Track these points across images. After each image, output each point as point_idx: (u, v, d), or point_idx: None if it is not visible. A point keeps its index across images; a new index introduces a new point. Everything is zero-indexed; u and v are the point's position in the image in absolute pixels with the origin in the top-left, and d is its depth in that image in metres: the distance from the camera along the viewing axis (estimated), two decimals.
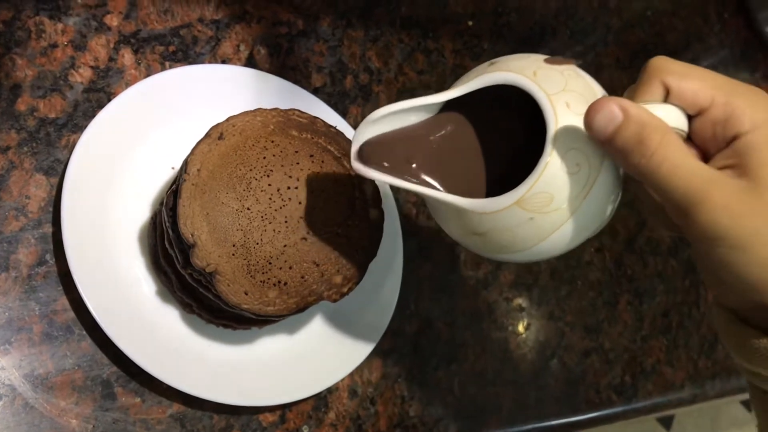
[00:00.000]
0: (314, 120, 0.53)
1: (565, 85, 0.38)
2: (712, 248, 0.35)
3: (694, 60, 0.92)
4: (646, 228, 0.78)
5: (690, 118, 0.38)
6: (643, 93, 0.38)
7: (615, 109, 0.35)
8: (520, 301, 0.69)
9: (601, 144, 0.36)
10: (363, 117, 0.65)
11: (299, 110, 0.53)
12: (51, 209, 0.51)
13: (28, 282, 0.50)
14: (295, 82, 0.62)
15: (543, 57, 0.41)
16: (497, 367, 0.66)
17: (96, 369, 0.50)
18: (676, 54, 0.90)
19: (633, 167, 0.36)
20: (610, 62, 0.83)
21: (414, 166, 0.41)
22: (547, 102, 0.38)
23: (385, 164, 0.41)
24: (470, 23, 0.75)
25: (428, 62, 0.71)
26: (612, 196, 0.39)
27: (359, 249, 0.52)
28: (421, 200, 0.66)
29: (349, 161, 0.53)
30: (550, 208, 0.38)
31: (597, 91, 0.40)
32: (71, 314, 0.50)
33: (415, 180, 0.41)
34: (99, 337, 0.50)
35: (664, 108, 0.38)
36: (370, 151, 0.41)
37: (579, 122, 0.37)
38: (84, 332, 0.50)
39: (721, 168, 0.36)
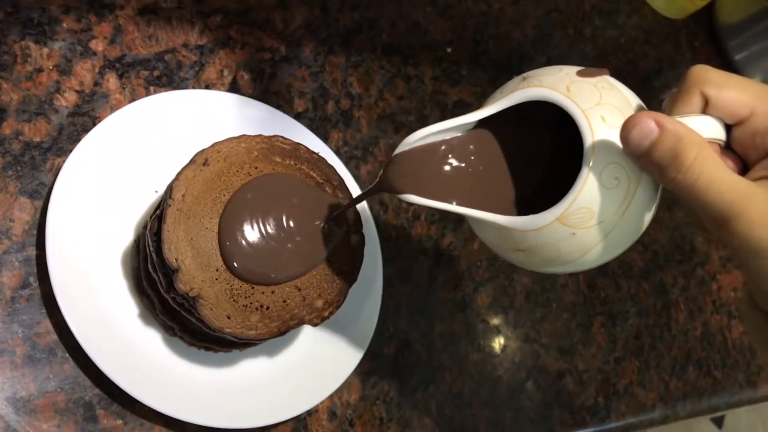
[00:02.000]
0: (297, 146, 0.54)
1: (600, 98, 0.38)
2: (751, 260, 0.35)
3: (666, 86, 0.94)
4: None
5: (729, 127, 0.38)
6: (682, 104, 0.38)
7: (651, 123, 0.35)
8: (496, 323, 0.70)
9: (637, 159, 0.36)
10: (344, 141, 0.66)
11: (282, 137, 0.54)
12: (35, 232, 0.52)
13: (11, 304, 0.50)
14: (278, 107, 0.63)
15: (575, 69, 0.41)
16: (474, 389, 0.67)
17: (78, 391, 0.50)
18: (648, 80, 0.93)
19: (669, 181, 0.36)
20: None
21: (451, 186, 0.41)
22: (582, 117, 0.38)
23: (420, 188, 0.41)
24: (449, 50, 0.76)
25: (408, 88, 0.72)
26: (651, 207, 0.39)
27: (340, 273, 0.53)
28: (400, 224, 0.67)
29: (331, 188, 0.54)
30: (591, 222, 0.38)
31: (632, 101, 0.40)
32: (54, 337, 0.50)
33: (454, 201, 0.41)
34: (81, 360, 0.50)
35: (701, 120, 0.37)
36: (404, 174, 0.41)
37: (615, 136, 0.37)
38: (67, 354, 0.51)
39: (760, 178, 0.36)
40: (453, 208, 0.41)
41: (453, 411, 0.65)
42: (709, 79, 0.37)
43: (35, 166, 0.53)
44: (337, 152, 0.65)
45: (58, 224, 0.50)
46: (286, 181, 0.52)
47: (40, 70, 0.55)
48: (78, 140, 0.53)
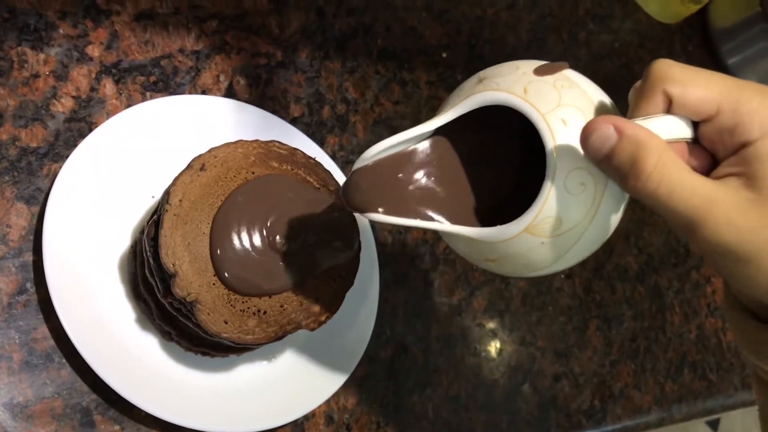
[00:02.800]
0: (294, 151, 0.54)
1: (559, 99, 0.37)
2: (719, 261, 0.34)
3: None
4: (614, 255, 0.80)
5: (696, 123, 0.36)
6: (645, 104, 0.36)
7: (609, 129, 0.34)
8: (492, 326, 0.71)
9: (598, 165, 0.35)
10: (340, 146, 0.67)
11: (279, 142, 0.54)
12: (32, 238, 0.52)
13: (8, 310, 0.50)
14: (274, 112, 0.63)
15: (532, 66, 0.39)
16: (470, 392, 0.67)
17: (75, 397, 0.50)
18: None
19: (630, 189, 0.35)
20: None
21: (415, 199, 0.40)
22: (542, 122, 0.36)
23: (384, 205, 0.39)
24: (444, 55, 0.77)
25: (404, 93, 0.72)
26: (619, 207, 0.38)
27: (337, 278, 0.53)
28: (396, 229, 0.67)
29: (327, 192, 0.54)
30: (560, 230, 0.36)
31: (594, 98, 0.38)
32: (51, 342, 0.50)
33: (417, 216, 0.39)
34: (78, 365, 0.50)
35: (664, 120, 0.36)
36: (364, 190, 0.39)
37: (578, 140, 0.35)
38: (64, 360, 0.51)
39: (727, 175, 0.35)
40: (417, 223, 0.39)
41: (449, 414, 0.65)
42: (673, 76, 0.36)
43: (32, 172, 0.53)
44: (333, 157, 0.65)
45: (54, 230, 0.50)
46: (280, 183, 0.52)
47: (36, 76, 0.55)
48: (74, 146, 0.53)
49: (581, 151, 0.35)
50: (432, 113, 0.73)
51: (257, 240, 0.50)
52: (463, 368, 0.68)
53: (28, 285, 0.51)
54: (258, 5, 0.67)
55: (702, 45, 1.02)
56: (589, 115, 0.37)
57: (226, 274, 0.49)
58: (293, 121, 0.65)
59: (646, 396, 0.77)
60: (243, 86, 0.64)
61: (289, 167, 0.53)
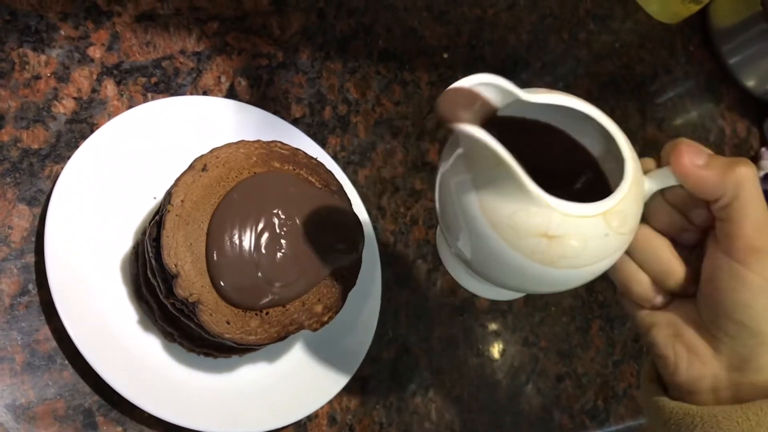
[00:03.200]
0: (296, 152, 0.54)
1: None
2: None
3: (661, 91, 0.94)
4: None
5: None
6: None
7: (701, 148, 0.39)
8: (495, 327, 0.70)
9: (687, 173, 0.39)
10: (342, 147, 0.66)
11: (281, 142, 0.54)
12: (33, 239, 0.52)
13: (10, 312, 0.50)
14: (275, 113, 0.63)
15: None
16: (473, 393, 0.67)
17: (78, 398, 0.50)
18: (643, 85, 0.93)
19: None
20: (580, 93, 0.85)
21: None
22: (621, 136, 0.39)
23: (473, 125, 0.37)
24: (445, 55, 0.77)
25: (405, 93, 0.72)
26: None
27: (339, 278, 0.53)
28: (398, 229, 0.67)
29: (329, 193, 0.54)
30: (622, 229, 0.38)
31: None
32: (53, 343, 0.50)
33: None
34: (81, 366, 0.50)
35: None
36: (464, 106, 0.38)
37: (635, 158, 0.39)
38: (66, 361, 0.50)
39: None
40: (507, 158, 0.36)
41: (452, 415, 0.65)
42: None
43: (33, 173, 0.53)
44: (335, 157, 0.65)
45: (56, 231, 0.50)
46: (280, 180, 0.52)
47: (38, 78, 0.55)
48: (76, 147, 0.53)
49: (639, 175, 0.39)
50: (434, 114, 0.73)
51: (256, 242, 0.50)
52: (466, 369, 0.67)
53: (30, 286, 0.51)
54: (259, 6, 0.67)
55: (702, 45, 1.02)
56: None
57: (222, 283, 0.48)
58: (295, 122, 0.65)
59: None
60: (244, 87, 0.64)
61: (291, 167, 0.53)
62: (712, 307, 0.39)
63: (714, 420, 0.38)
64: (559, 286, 0.41)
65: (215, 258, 0.49)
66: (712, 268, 0.39)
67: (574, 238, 0.38)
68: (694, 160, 0.38)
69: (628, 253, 0.41)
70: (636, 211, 0.39)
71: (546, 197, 0.37)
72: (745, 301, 0.37)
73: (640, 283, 0.42)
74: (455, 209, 0.40)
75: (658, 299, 0.42)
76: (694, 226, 0.41)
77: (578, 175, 0.42)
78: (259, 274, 0.50)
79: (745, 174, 0.38)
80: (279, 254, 0.50)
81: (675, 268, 0.41)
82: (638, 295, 0.42)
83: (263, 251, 0.50)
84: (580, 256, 0.38)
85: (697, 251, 0.41)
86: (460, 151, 0.40)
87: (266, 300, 0.49)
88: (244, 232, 0.50)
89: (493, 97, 0.39)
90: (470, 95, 0.38)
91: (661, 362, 0.41)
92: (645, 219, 0.41)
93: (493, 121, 0.40)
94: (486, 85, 0.38)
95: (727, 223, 0.38)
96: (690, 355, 0.40)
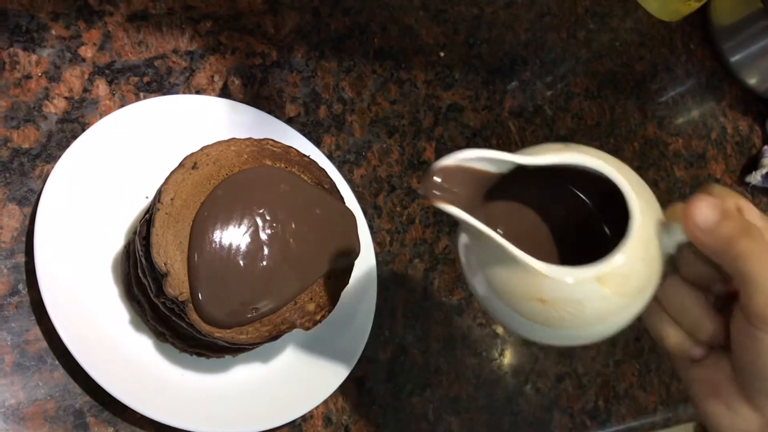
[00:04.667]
0: (288, 149, 0.54)
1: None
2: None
3: (661, 89, 0.94)
4: None
5: None
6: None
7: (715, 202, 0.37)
8: (493, 326, 0.70)
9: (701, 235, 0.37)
10: (337, 146, 0.66)
11: (273, 139, 0.54)
12: (24, 239, 0.51)
13: (0, 312, 0.50)
14: (269, 112, 0.63)
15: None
16: (471, 393, 0.66)
17: (68, 399, 0.50)
18: (644, 83, 0.92)
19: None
20: (579, 92, 0.85)
21: (484, 214, 0.39)
22: (630, 191, 0.38)
23: (458, 204, 0.38)
24: (442, 54, 0.76)
25: (401, 92, 0.72)
26: (648, 299, 0.39)
27: (332, 277, 0.52)
28: (395, 228, 0.67)
29: (322, 190, 0.54)
30: (626, 290, 0.37)
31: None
32: (44, 344, 0.50)
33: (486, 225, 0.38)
34: (71, 367, 0.50)
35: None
36: (447, 187, 0.38)
37: (649, 211, 0.38)
38: (56, 362, 0.50)
39: None
40: (491, 233, 0.37)
41: (450, 416, 0.64)
42: None
43: (24, 173, 0.53)
44: (330, 157, 0.65)
45: (47, 231, 0.50)
46: (270, 175, 0.51)
47: (28, 77, 0.55)
48: (67, 146, 0.53)
49: (653, 227, 0.38)
50: (430, 112, 0.73)
51: (243, 244, 0.49)
52: (464, 369, 0.67)
53: (20, 286, 0.50)
54: (252, 5, 0.66)
55: (703, 43, 1.01)
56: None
57: (200, 296, 0.47)
58: (289, 121, 0.64)
59: (651, 396, 0.76)
60: (238, 86, 0.63)
61: (283, 165, 0.53)
62: (742, 367, 0.38)
63: None
64: (574, 341, 0.40)
65: (195, 259, 0.47)
66: (737, 330, 0.37)
67: (568, 301, 0.37)
68: (704, 221, 0.36)
69: (661, 304, 0.40)
70: (642, 268, 0.37)
71: (534, 263, 0.37)
72: None
73: (673, 336, 0.40)
74: (462, 265, 0.41)
75: (696, 351, 0.40)
76: (725, 277, 0.39)
77: (592, 229, 0.41)
78: (243, 290, 0.48)
79: (748, 250, 0.36)
80: (264, 263, 0.49)
81: (705, 322, 0.39)
82: (672, 348, 0.40)
83: (248, 259, 0.48)
84: (578, 318, 0.38)
85: (732, 303, 0.39)
86: None
87: (249, 316, 0.48)
88: (228, 234, 0.48)
89: (488, 166, 0.39)
90: (458, 170, 0.39)
91: (704, 418, 0.40)
92: (677, 268, 0.39)
93: (501, 181, 0.40)
94: (473, 159, 0.38)
95: (741, 289, 0.36)
96: (730, 413, 0.38)
